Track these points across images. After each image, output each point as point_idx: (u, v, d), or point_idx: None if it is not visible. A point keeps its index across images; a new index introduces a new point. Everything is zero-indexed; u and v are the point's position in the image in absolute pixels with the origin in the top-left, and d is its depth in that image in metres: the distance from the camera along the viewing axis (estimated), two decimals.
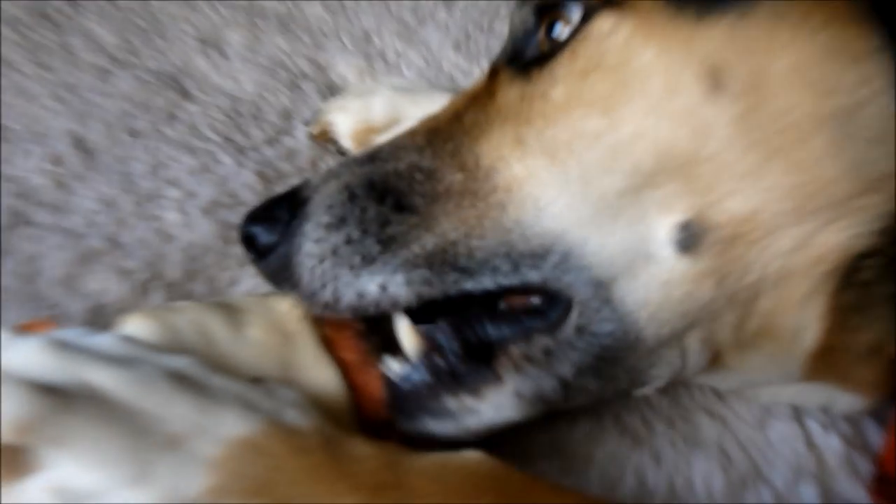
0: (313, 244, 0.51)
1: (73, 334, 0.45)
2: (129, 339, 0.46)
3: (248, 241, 0.55)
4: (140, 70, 0.95)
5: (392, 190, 0.51)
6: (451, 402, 0.51)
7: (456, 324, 0.52)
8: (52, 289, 0.67)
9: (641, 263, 0.47)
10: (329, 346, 0.52)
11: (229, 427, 0.41)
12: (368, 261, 0.49)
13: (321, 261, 0.50)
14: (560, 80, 0.49)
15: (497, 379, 0.50)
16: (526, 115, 0.49)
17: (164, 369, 0.43)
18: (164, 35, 1.02)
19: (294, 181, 0.82)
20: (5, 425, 0.37)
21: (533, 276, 0.49)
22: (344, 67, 1.03)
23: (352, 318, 0.52)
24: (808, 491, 0.58)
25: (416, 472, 0.42)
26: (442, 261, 0.49)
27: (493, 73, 0.54)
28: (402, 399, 0.52)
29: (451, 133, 0.52)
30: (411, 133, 0.54)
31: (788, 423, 0.61)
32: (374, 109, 0.86)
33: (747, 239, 0.46)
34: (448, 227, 0.49)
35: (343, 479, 0.41)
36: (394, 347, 0.53)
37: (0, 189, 0.75)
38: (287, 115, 0.93)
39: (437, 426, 0.51)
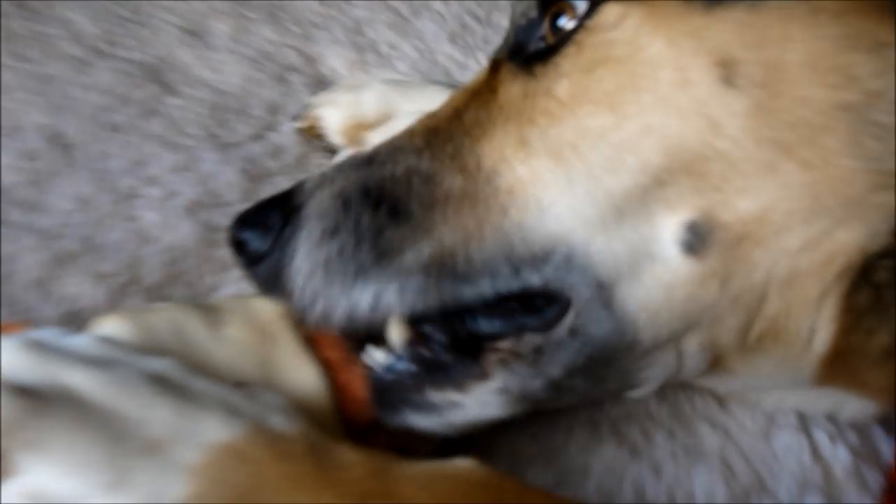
0: (305, 256, 0.51)
1: (48, 335, 0.46)
2: (107, 340, 0.47)
3: (238, 247, 0.55)
4: (119, 61, 0.95)
5: (388, 196, 0.51)
6: (434, 395, 0.52)
7: (445, 315, 0.52)
8: (25, 292, 0.67)
9: (645, 265, 0.48)
10: (310, 344, 0.53)
11: (211, 432, 0.42)
12: (361, 272, 0.50)
13: (312, 274, 0.51)
14: (565, 76, 0.49)
15: (483, 374, 0.51)
16: (529, 114, 0.50)
17: (144, 371, 0.44)
18: (145, 24, 1.02)
19: (281, 179, 0.83)
20: None
21: (534, 279, 0.49)
22: (334, 60, 1.04)
23: None
24: None
25: (406, 480, 0.43)
26: (439, 269, 0.49)
27: (495, 68, 0.55)
28: (384, 391, 0.52)
29: (450, 133, 0.53)
30: (410, 133, 0.55)
31: (794, 433, 0.62)
32: (365, 104, 0.86)
33: (755, 238, 0.46)
34: (446, 233, 0.49)
35: (329, 488, 0.41)
36: (377, 337, 0.53)
37: None
38: (274, 110, 0.93)
39: (420, 420, 0.52)
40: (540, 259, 0.49)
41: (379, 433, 0.52)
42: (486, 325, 0.52)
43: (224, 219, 0.76)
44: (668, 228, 0.47)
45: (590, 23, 0.49)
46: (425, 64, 1.06)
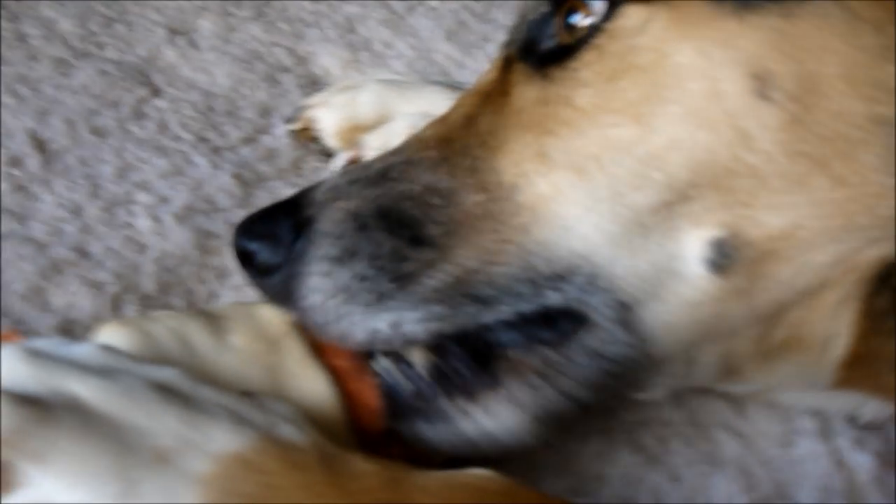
0: (321, 278, 0.51)
1: (50, 344, 0.46)
2: (110, 349, 0.47)
3: (245, 257, 0.55)
4: (103, 62, 0.96)
5: (406, 220, 0.51)
6: (445, 404, 0.52)
7: (463, 330, 0.51)
8: (16, 303, 0.68)
9: (669, 283, 0.48)
10: (319, 352, 0.53)
11: (220, 442, 0.42)
12: (382, 300, 0.50)
13: (331, 297, 0.50)
14: (585, 84, 0.48)
15: (495, 384, 0.51)
16: (548, 124, 0.49)
17: (149, 381, 0.44)
18: (129, 24, 1.03)
19: (275, 184, 0.84)
20: None
21: (554, 299, 0.49)
22: (326, 59, 1.04)
23: None
24: None
25: (419, 490, 0.43)
26: (460, 293, 0.49)
27: (506, 65, 0.54)
28: (394, 399, 0.52)
29: (466, 145, 0.52)
30: (422, 143, 0.54)
31: (815, 440, 0.63)
32: (360, 105, 0.87)
33: (782, 255, 0.46)
34: (467, 255, 0.49)
35: (341, 498, 0.42)
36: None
37: None
38: (265, 112, 0.94)
39: (432, 430, 0.52)
40: (562, 278, 0.49)
41: (392, 443, 0.52)
42: (501, 335, 0.51)
43: (219, 225, 0.78)
44: (693, 246, 0.47)
45: (610, 26, 0.48)
46: (422, 63, 1.06)
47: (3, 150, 0.81)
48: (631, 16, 0.48)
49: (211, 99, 0.94)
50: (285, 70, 1.02)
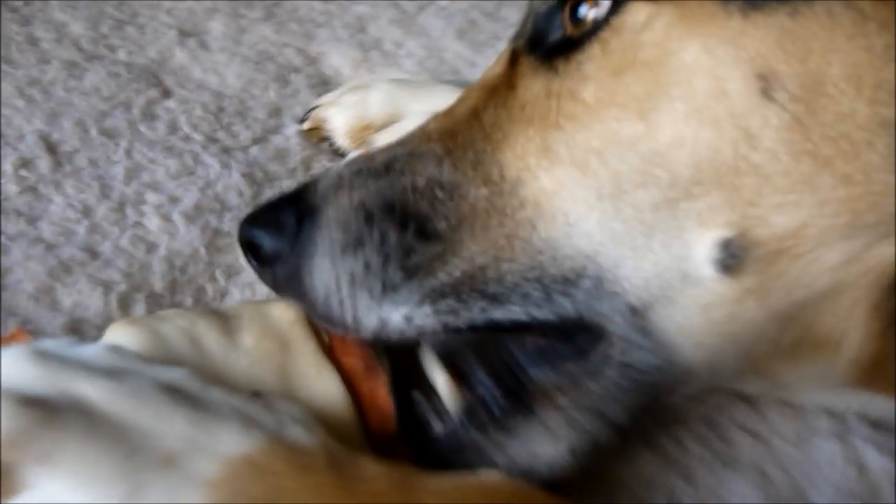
0: (329, 265, 0.51)
1: (57, 345, 0.46)
2: (118, 350, 0.47)
3: (249, 247, 0.55)
4: (114, 64, 0.96)
5: (413, 214, 0.51)
6: (480, 440, 0.51)
7: (492, 364, 0.52)
8: (25, 303, 0.68)
9: (679, 286, 0.47)
10: (330, 351, 0.53)
11: (228, 444, 0.42)
12: (391, 289, 0.50)
13: (337, 283, 0.51)
14: (590, 78, 0.48)
15: (530, 415, 0.51)
16: (553, 117, 0.49)
17: (157, 382, 0.44)
18: (140, 26, 1.03)
19: (285, 183, 0.84)
20: None
21: (566, 306, 0.49)
22: (337, 59, 1.04)
23: None
24: None
25: (430, 493, 0.43)
26: (470, 288, 0.49)
27: (513, 59, 0.54)
28: (434, 443, 0.52)
29: (470, 138, 0.52)
30: (426, 135, 0.55)
31: (832, 440, 0.62)
32: (371, 105, 0.87)
33: (792, 254, 0.46)
34: (476, 250, 0.49)
35: (350, 500, 0.41)
36: (422, 383, 0.53)
37: None
38: (276, 112, 0.94)
39: (465, 466, 0.50)
40: (570, 281, 0.49)
41: (402, 444, 0.52)
42: (539, 377, 0.51)
43: (229, 224, 0.78)
44: (701, 246, 0.47)
45: (616, 21, 0.48)
46: (432, 62, 1.06)
47: (13, 153, 0.81)
48: (636, 11, 0.48)
49: (221, 99, 0.94)
50: (296, 70, 1.02)
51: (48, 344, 0.46)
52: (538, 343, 0.52)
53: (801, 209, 0.45)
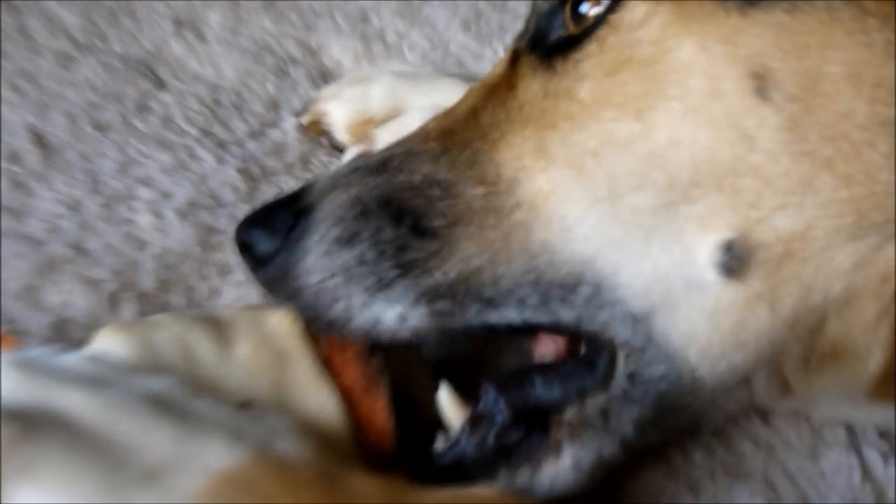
0: (321, 257, 0.51)
1: (37, 354, 0.45)
2: (100, 359, 0.46)
3: (245, 248, 0.56)
4: (107, 55, 0.95)
5: (408, 210, 0.51)
6: (504, 476, 0.51)
7: (503, 387, 0.51)
8: (10, 302, 0.67)
9: (681, 291, 0.47)
10: (328, 367, 0.52)
11: (213, 458, 0.41)
12: (385, 285, 0.49)
13: (331, 277, 0.50)
14: (587, 77, 0.49)
15: (555, 447, 0.50)
16: (550, 117, 0.49)
17: (140, 392, 0.43)
18: (134, 16, 1.02)
19: (282, 179, 0.83)
20: None
21: (565, 314, 0.49)
22: (337, 50, 1.03)
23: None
24: None
25: None
26: (466, 290, 0.49)
27: (514, 59, 0.54)
28: (450, 475, 0.51)
29: (467, 137, 0.52)
30: (424, 134, 0.55)
31: (843, 451, 0.61)
32: (372, 98, 0.86)
33: (800, 258, 0.46)
34: (472, 251, 0.49)
35: None
36: (423, 400, 0.53)
37: None
38: (274, 105, 0.93)
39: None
40: (568, 287, 0.48)
41: (400, 465, 0.51)
42: (544, 393, 0.51)
43: (222, 221, 0.77)
44: (702, 250, 0.46)
45: (613, 18, 0.48)
46: (437, 54, 1.05)
47: (2, 146, 0.80)
48: (634, 8, 0.48)
49: (217, 92, 0.93)
50: (295, 62, 1.01)
51: (29, 354, 0.45)
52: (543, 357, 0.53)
53: (804, 211, 0.45)
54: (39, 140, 0.82)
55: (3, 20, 0.96)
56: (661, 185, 0.46)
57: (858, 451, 0.61)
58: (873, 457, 0.61)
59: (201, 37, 1.01)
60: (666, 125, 0.46)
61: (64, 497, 0.38)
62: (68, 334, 0.66)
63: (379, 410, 0.51)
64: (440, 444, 0.52)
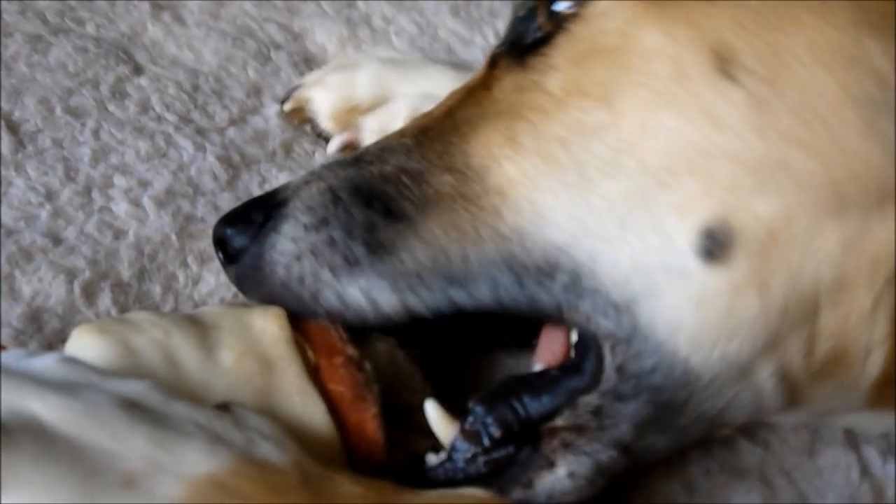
0: (290, 242, 0.53)
1: (9, 357, 0.44)
2: (73, 361, 0.45)
3: (221, 245, 0.57)
4: (82, 39, 0.94)
5: (379, 194, 0.52)
6: (484, 478, 0.50)
7: (489, 402, 0.51)
8: None
9: (663, 279, 0.47)
10: (317, 375, 0.51)
11: (192, 463, 0.40)
12: (352, 264, 0.51)
13: (298, 258, 0.52)
14: (556, 68, 0.50)
15: (549, 463, 0.50)
16: (519, 109, 0.51)
17: (115, 396, 0.42)
18: None
19: (264, 167, 0.83)
20: None
21: (543, 298, 0.49)
22: (322, 35, 1.02)
23: (343, 342, 0.52)
24: None
25: None
26: (433, 269, 0.50)
27: (493, 63, 0.55)
28: (427, 474, 0.52)
29: (441, 131, 0.54)
30: (401, 133, 0.57)
31: (841, 449, 0.61)
32: (358, 85, 0.85)
33: (785, 241, 0.46)
34: (440, 233, 0.50)
35: None
36: (414, 414, 0.53)
37: None
38: (255, 92, 0.92)
39: None
40: (545, 273, 0.49)
41: (391, 477, 0.50)
42: (533, 405, 0.51)
43: (202, 210, 0.77)
44: (681, 236, 0.46)
45: (582, 10, 0.50)
46: (425, 40, 1.05)
47: None
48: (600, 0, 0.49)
49: (197, 77, 0.92)
50: (277, 47, 1.00)
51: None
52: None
53: (782, 193, 0.45)
54: (11, 126, 0.81)
55: None
56: (632, 172, 0.47)
57: (856, 449, 0.61)
58: (871, 454, 0.61)
59: (180, 20, 1.00)
60: (634, 112, 0.47)
61: None
62: (43, 324, 0.65)
63: (369, 420, 0.50)
64: (432, 459, 0.52)
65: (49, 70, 0.88)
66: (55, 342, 0.63)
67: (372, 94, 0.84)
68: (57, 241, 0.71)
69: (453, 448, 0.51)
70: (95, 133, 0.82)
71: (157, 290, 0.70)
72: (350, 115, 0.84)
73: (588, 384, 0.50)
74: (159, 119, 0.86)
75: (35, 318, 0.65)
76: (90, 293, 0.68)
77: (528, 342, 0.59)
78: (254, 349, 0.50)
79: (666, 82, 0.46)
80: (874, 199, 0.45)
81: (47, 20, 0.96)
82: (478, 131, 0.52)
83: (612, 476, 0.52)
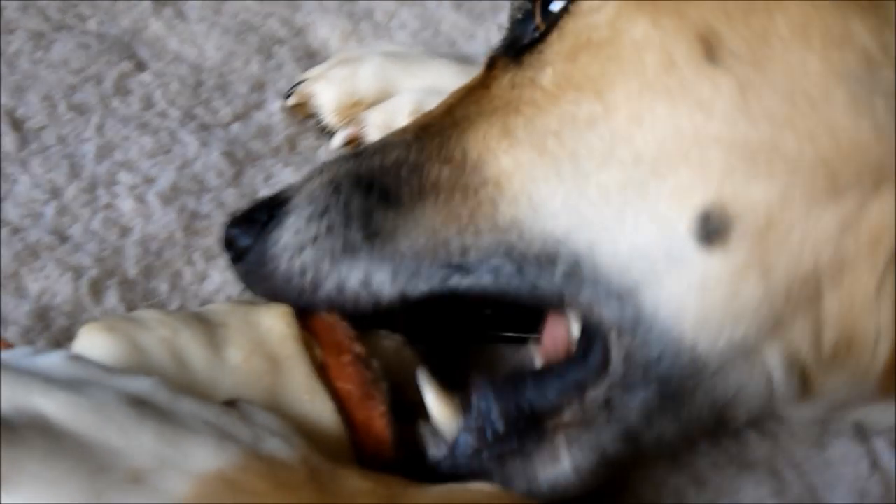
0: (292, 234, 0.54)
1: (16, 354, 0.44)
2: (81, 359, 0.45)
3: (229, 245, 0.58)
4: (84, 35, 0.94)
5: (378, 184, 0.54)
6: (499, 478, 0.50)
7: (495, 394, 0.52)
8: None
9: (664, 266, 0.47)
10: (325, 373, 0.51)
11: (200, 460, 0.40)
12: (351, 250, 0.52)
13: (301, 250, 0.53)
14: (549, 63, 0.51)
15: (551, 449, 0.51)
16: (515, 104, 0.52)
17: (123, 394, 0.42)
18: None
19: (268, 162, 0.83)
20: None
21: (545, 286, 0.50)
22: (325, 30, 1.02)
23: (350, 339, 0.53)
24: None
25: None
26: (432, 256, 0.51)
27: (492, 64, 0.56)
28: (432, 469, 0.52)
29: (440, 127, 0.55)
30: (402, 130, 0.58)
31: (850, 441, 0.61)
32: (361, 80, 0.85)
33: (781, 223, 0.46)
34: (438, 222, 0.51)
35: None
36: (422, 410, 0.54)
37: None
38: (259, 87, 0.92)
39: None
40: (545, 262, 0.50)
41: (401, 472, 0.50)
42: (539, 397, 0.51)
43: (207, 206, 0.77)
44: (679, 223, 0.47)
45: (573, 6, 0.51)
46: (427, 34, 1.05)
47: None
48: None
49: (200, 73, 0.92)
50: (280, 42, 1.00)
51: (7, 354, 0.45)
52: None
53: (774, 175, 0.45)
54: (15, 123, 0.82)
55: None
56: (627, 162, 0.47)
57: (866, 441, 0.61)
58: (881, 447, 0.61)
59: (182, 15, 1.00)
60: (626, 103, 0.47)
61: (46, 502, 0.37)
62: (50, 322, 0.65)
63: (377, 417, 0.50)
64: (434, 449, 0.53)
65: (52, 67, 0.89)
66: (62, 340, 0.63)
67: (375, 88, 0.84)
68: (63, 238, 0.72)
69: (456, 443, 0.52)
70: (99, 129, 0.83)
71: (163, 287, 0.70)
72: (354, 109, 0.84)
73: (594, 375, 0.50)
74: (163, 115, 0.86)
75: (42, 315, 0.65)
76: (97, 290, 0.68)
77: (530, 335, 0.59)
78: (261, 347, 0.50)
79: (656, 72, 0.47)
80: (869, 180, 0.45)
81: (49, 17, 0.96)
82: (475, 126, 0.53)
83: (619, 467, 0.52)
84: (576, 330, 0.53)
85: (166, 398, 0.43)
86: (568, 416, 0.51)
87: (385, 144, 0.56)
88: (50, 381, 0.42)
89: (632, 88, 0.47)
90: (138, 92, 0.88)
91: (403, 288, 0.51)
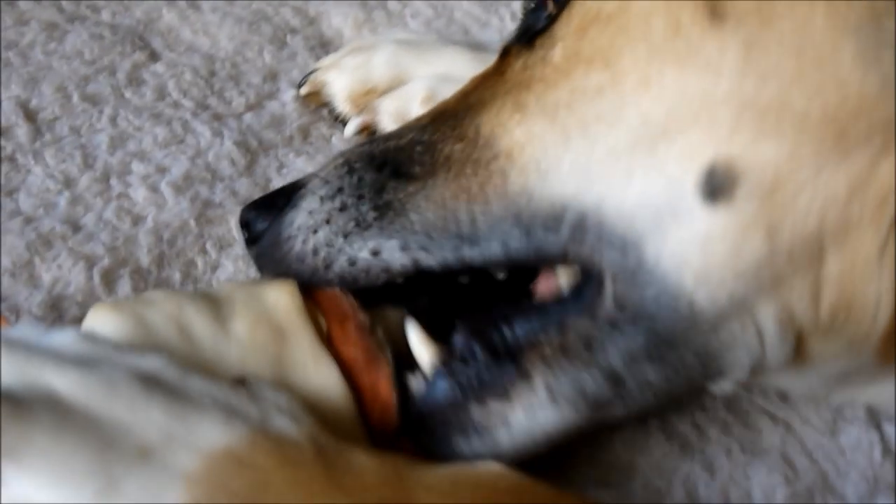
0: (307, 215, 0.56)
1: (27, 332, 0.45)
2: (91, 337, 0.46)
3: (245, 226, 0.60)
4: (97, 26, 0.95)
5: (391, 160, 0.55)
6: (477, 412, 0.52)
7: (477, 325, 0.53)
8: (4, 279, 0.67)
9: (669, 219, 0.48)
10: (329, 342, 0.52)
11: (208, 436, 0.41)
12: (362, 226, 0.54)
13: (315, 231, 0.55)
14: (558, 40, 0.52)
15: (525, 376, 0.51)
16: (527, 82, 0.53)
17: (132, 370, 0.43)
18: None
19: (281, 152, 0.84)
20: None
21: (550, 243, 0.51)
22: (338, 19, 1.03)
23: (354, 308, 0.54)
24: None
25: (424, 488, 0.42)
26: (442, 228, 0.52)
27: (505, 53, 0.57)
28: (424, 418, 0.53)
29: (454, 111, 0.56)
30: (418, 118, 0.59)
31: (863, 427, 0.61)
32: (374, 67, 0.86)
33: (789, 181, 0.46)
34: (448, 195, 0.52)
35: (338, 495, 0.41)
36: (410, 362, 0.54)
37: None
38: (272, 76, 0.93)
39: (465, 445, 0.52)
40: (551, 220, 0.51)
41: (405, 439, 0.51)
42: (522, 328, 0.52)
43: (220, 195, 0.77)
44: (687, 179, 0.47)
45: None
46: (441, 21, 1.05)
47: None
48: None
49: (213, 63, 0.94)
50: (293, 31, 1.01)
51: (17, 332, 0.45)
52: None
53: (783, 133, 0.46)
54: (29, 114, 0.83)
55: None
56: (636, 125, 0.48)
57: (879, 427, 0.61)
58: (894, 433, 0.61)
59: (195, 5, 1.01)
60: (634, 69, 0.48)
61: (55, 476, 0.39)
62: (63, 312, 0.66)
63: (382, 384, 0.51)
64: (415, 385, 0.53)
65: (65, 58, 0.90)
66: None
67: (388, 76, 0.85)
68: (76, 228, 0.72)
69: (435, 382, 0.53)
70: (113, 120, 0.83)
71: (176, 276, 0.71)
72: (367, 97, 0.85)
73: (579, 312, 0.51)
74: (176, 105, 0.87)
75: (55, 305, 0.66)
76: (110, 280, 0.69)
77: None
78: (266, 319, 0.51)
79: (663, 37, 0.48)
80: (879, 139, 0.45)
81: (63, 8, 0.97)
82: (488, 105, 0.54)
83: (602, 409, 0.52)
84: (565, 278, 0.53)
85: (175, 375, 0.44)
86: (548, 349, 0.51)
87: (402, 129, 0.58)
88: (61, 357, 0.43)
89: (639, 55, 0.48)
90: (151, 82, 0.89)
91: (415, 259, 0.52)
